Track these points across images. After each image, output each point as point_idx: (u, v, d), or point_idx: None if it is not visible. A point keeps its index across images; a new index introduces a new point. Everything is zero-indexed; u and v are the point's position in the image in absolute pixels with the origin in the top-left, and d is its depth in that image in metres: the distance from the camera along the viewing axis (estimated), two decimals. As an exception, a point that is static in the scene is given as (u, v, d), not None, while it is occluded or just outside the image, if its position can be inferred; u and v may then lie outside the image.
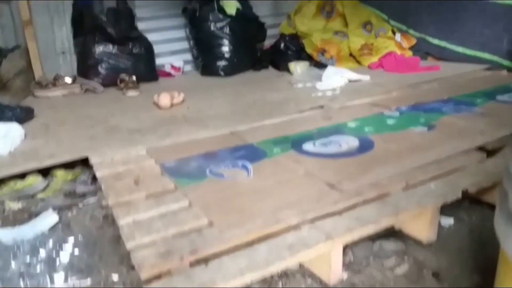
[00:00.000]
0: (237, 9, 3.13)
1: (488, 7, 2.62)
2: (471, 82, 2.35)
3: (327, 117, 1.92)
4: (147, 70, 2.92)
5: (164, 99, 2.21)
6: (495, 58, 2.63)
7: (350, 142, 1.53)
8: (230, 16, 3.09)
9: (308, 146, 1.52)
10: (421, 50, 3.07)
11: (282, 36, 3.34)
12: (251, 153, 1.48)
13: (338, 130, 1.69)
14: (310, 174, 1.28)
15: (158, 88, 2.75)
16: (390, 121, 1.76)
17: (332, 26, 3.31)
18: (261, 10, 3.62)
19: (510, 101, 1.95)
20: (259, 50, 3.43)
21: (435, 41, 2.99)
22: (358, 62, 3.10)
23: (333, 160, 1.38)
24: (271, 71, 3.24)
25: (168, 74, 3.22)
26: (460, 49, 2.84)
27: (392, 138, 1.55)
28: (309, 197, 1.13)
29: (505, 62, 2.57)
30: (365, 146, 1.48)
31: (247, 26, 3.21)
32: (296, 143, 1.56)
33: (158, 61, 3.19)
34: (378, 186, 1.17)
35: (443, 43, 2.94)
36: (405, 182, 1.18)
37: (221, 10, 3.09)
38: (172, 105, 2.24)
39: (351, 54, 3.17)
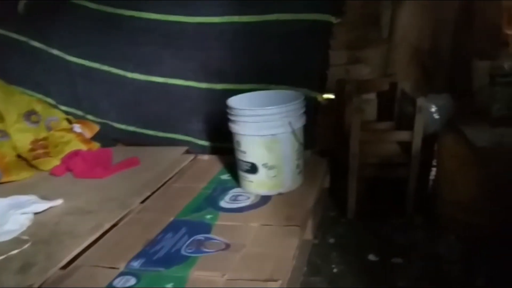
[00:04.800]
0: None
1: (171, 89, 2.49)
2: (182, 183, 2.13)
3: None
4: None
5: None
6: (189, 138, 2.54)
7: None
8: None
9: None
10: (108, 137, 2.66)
11: None
12: None
13: None
14: None
15: None
16: (132, 304, 1.27)
17: (-21, 124, 2.39)
18: None
19: (234, 207, 1.83)
20: None
21: (122, 126, 2.64)
22: (34, 167, 2.36)
23: None
24: None
25: None
26: (151, 132, 2.61)
27: None
28: None
29: (200, 142, 2.52)
30: None
31: None
32: None
33: None
34: None
35: (131, 128, 2.64)
36: None
37: None
38: None
39: (20, 157, 2.38)
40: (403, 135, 1.97)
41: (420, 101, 1.89)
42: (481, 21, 2.19)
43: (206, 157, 2.44)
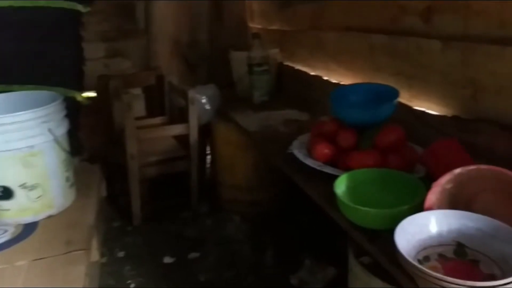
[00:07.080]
0: None
1: None
2: None
3: None
4: None
5: None
6: None
7: None
8: None
9: None
10: None
11: None
12: None
13: None
14: None
15: None
16: None
17: None
18: None
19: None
20: None
21: None
22: None
23: None
24: None
25: None
26: None
27: None
28: None
29: None
30: None
31: None
32: None
33: None
34: None
35: None
36: None
37: None
38: None
39: None
40: (180, 129, 1.93)
41: (191, 93, 1.88)
42: (229, 15, 2.37)
43: None
